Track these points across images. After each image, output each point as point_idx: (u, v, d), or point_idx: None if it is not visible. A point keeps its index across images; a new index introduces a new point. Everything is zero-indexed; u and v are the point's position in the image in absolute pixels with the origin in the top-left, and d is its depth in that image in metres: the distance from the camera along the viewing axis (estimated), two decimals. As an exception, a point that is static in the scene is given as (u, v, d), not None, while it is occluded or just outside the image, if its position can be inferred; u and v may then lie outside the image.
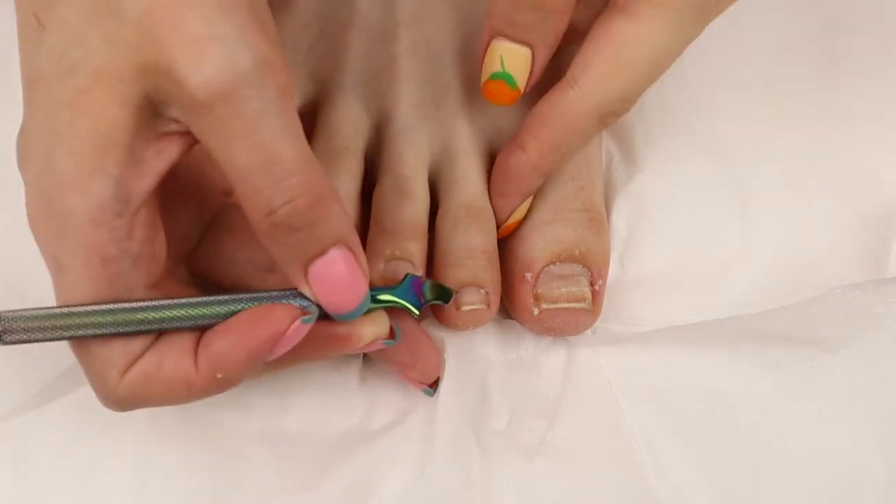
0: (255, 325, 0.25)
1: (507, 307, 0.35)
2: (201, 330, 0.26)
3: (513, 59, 0.30)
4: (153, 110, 0.24)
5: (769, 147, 0.38)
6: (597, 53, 0.29)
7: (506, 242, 0.35)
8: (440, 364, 0.33)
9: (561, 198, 0.34)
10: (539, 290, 0.33)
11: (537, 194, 0.34)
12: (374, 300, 0.29)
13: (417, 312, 0.30)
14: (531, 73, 0.30)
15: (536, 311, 0.33)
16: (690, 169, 0.37)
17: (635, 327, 0.35)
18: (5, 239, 0.32)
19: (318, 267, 0.25)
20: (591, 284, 0.34)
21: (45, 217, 0.24)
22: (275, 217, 0.24)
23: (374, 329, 0.28)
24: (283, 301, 0.26)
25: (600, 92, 0.29)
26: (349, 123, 0.34)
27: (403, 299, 0.30)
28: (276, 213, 0.24)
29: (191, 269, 0.29)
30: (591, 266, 0.34)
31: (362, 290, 0.26)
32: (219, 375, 0.25)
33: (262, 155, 0.23)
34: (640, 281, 0.36)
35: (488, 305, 0.33)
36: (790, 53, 0.38)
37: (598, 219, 0.35)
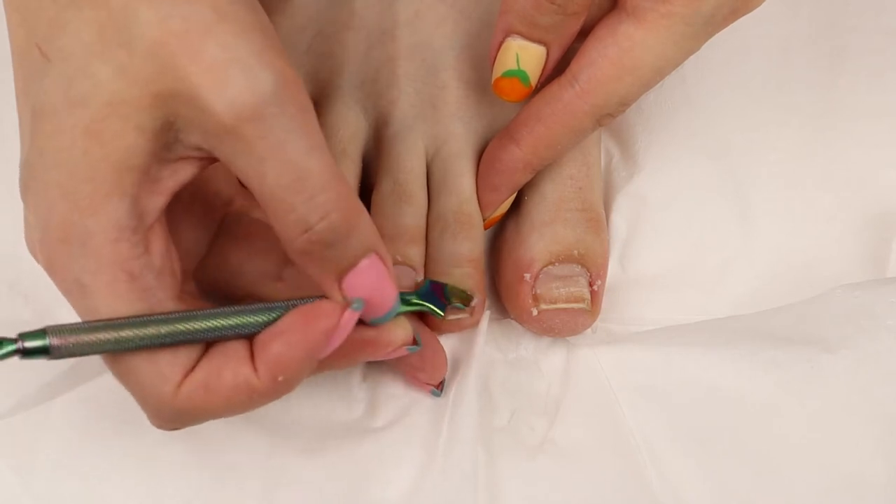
0: (309, 321, 0.25)
1: (507, 307, 0.35)
2: (246, 338, 0.26)
3: (529, 58, 0.30)
4: (172, 136, 0.24)
5: (769, 147, 0.37)
6: (601, 55, 0.29)
7: (504, 243, 0.35)
8: (447, 365, 0.33)
9: (560, 198, 0.34)
10: (538, 291, 0.33)
11: (536, 195, 0.35)
12: (403, 303, 0.29)
13: (442, 314, 0.31)
14: (543, 70, 0.30)
15: (535, 312, 0.33)
16: (690, 169, 0.37)
17: (635, 327, 0.35)
18: (7, 240, 0.32)
19: (351, 278, 0.25)
20: (590, 285, 0.34)
21: (63, 243, 0.24)
22: (311, 234, 0.24)
23: (402, 334, 0.28)
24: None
25: (601, 93, 0.29)
26: (347, 126, 0.34)
27: (428, 303, 0.31)
28: (312, 229, 0.24)
29: (198, 281, 0.29)
30: (589, 266, 0.34)
31: (393, 294, 0.27)
32: (280, 378, 0.25)
33: (292, 172, 0.23)
34: (640, 281, 0.36)
35: (471, 314, 0.33)
36: (790, 53, 0.38)
37: (596, 219, 0.35)
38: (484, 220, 0.34)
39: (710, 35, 0.29)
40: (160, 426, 0.26)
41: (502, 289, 0.35)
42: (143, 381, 0.25)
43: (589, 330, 0.35)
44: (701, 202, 0.37)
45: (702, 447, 0.32)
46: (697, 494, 0.31)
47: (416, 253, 0.33)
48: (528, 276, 0.34)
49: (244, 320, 0.26)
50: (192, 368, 0.25)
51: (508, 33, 0.30)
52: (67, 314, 0.25)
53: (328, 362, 0.27)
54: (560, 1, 0.28)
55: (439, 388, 0.33)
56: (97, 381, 0.32)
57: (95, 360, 0.26)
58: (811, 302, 0.34)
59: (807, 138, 0.38)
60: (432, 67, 0.35)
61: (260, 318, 0.26)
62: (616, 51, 0.29)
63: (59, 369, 0.33)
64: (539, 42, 0.30)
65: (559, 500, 0.32)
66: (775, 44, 0.39)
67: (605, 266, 0.35)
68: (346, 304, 0.26)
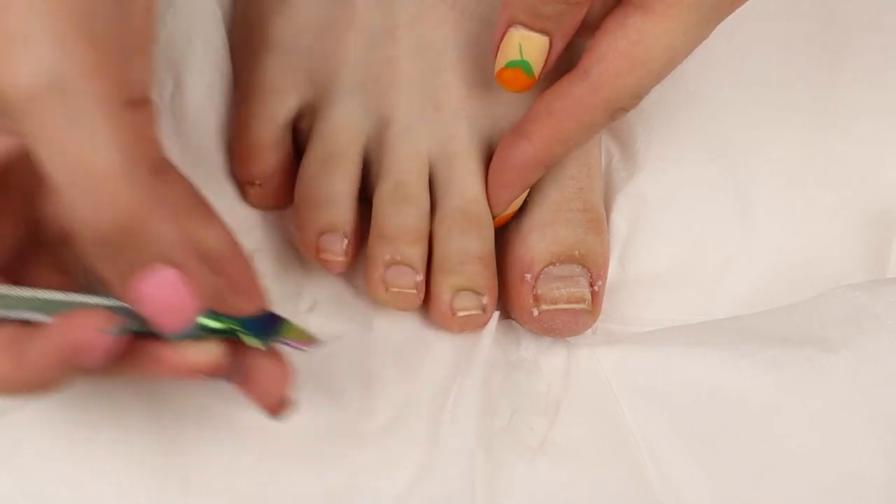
0: (67, 330, 0.24)
1: (507, 308, 0.35)
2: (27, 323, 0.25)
3: (531, 48, 0.30)
4: None
5: (770, 145, 0.37)
6: (611, 48, 0.29)
7: (505, 243, 0.35)
8: (286, 383, 0.28)
9: (561, 198, 0.34)
10: (539, 291, 0.33)
11: (537, 195, 0.35)
12: (208, 329, 0.26)
13: (259, 344, 0.26)
14: (546, 61, 0.30)
15: (536, 312, 0.33)
16: (690, 169, 0.37)
17: (635, 327, 0.35)
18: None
19: (140, 286, 0.24)
20: (591, 285, 0.34)
21: None
22: (88, 232, 0.23)
23: (203, 359, 0.26)
24: (113, 307, 0.25)
25: (613, 86, 0.29)
26: (347, 127, 0.34)
27: (250, 330, 0.26)
28: (89, 227, 0.23)
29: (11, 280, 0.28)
30: (590, 267, 0.34)
31: (188, 313, 0.24)
32: (35, 377, 0.24)
33: (70, 164, 0.22)
34: (640, 281, 0.36)
35: (483, 311, 0.33)
36: (791, 52, 0.38)
37: (597, 219, 0.35)
38: (494, 217, 0.34)
39: (719, 20, 0.29)
40: None
41: (503, 289, 0.35)
42: None
43: (589, 330, 0.35)
44: (701, 201, 0.37)
45: (702, 447, 0.32)
46: (697, 494, 0.31)
47: (415, 253, 0.33)
48: (528, 276, 0.34)
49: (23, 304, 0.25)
50: None
51: (511, 23, 0.30)
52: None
53: (117, 369, 0.26)
54: None
55: (279, 411, 0.28)
56: (86, 381, 0.32)
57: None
58: (811, 302, 0.34)
59: (808, 137, 0.38)
60: (434, 68, 0.35)
61: (38, 306, 0.25)
62: (626, 44, 0.29)
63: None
64: (542, 32, 0.30)
65: (559, 501, 0.32)
66: (776, 42, 0.39)
67: (605, 266, 0.35)
68: (104, 322, 0.24)
